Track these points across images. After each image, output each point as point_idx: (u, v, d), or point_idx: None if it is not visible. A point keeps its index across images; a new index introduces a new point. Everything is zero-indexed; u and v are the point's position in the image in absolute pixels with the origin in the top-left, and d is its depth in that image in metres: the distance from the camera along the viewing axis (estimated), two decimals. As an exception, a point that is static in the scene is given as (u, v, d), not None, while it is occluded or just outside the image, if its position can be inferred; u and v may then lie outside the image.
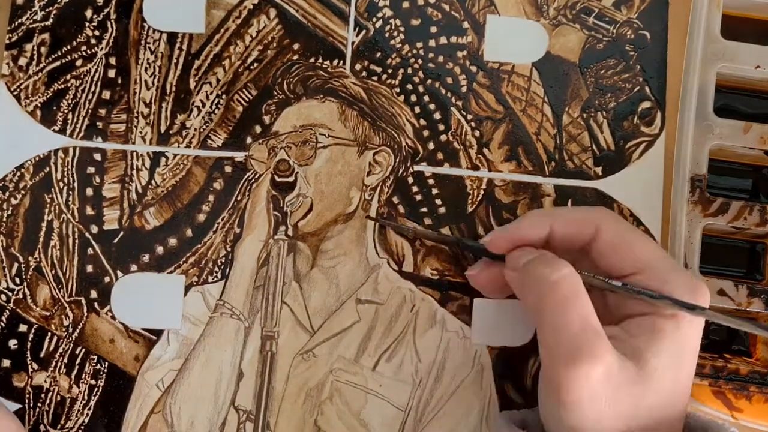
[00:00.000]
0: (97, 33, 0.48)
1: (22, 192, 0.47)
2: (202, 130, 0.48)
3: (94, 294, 0.47)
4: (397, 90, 0.49)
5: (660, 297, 0.37)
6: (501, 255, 0.42)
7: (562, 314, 0.37)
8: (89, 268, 0.47)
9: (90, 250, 0.47)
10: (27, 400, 0.46)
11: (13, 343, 0.46)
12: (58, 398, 0.46)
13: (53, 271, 0.47)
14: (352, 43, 0.49)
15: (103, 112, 0.48)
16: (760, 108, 0.50)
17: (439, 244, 0.47)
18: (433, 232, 0.46)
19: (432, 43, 0.49)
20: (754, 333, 0.40)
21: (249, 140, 0.48)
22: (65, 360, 0.46)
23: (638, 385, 0.36)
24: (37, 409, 0.46)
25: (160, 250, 0.47)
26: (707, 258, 0.47)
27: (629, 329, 0.38)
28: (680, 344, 0.38)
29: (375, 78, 0.49)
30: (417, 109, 0.49)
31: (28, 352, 0.46)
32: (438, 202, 0.48)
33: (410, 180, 0.48)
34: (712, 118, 0.47)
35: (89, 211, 0.47)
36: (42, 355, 0.46)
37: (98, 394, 0.46)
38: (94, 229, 0.47)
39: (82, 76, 0.48)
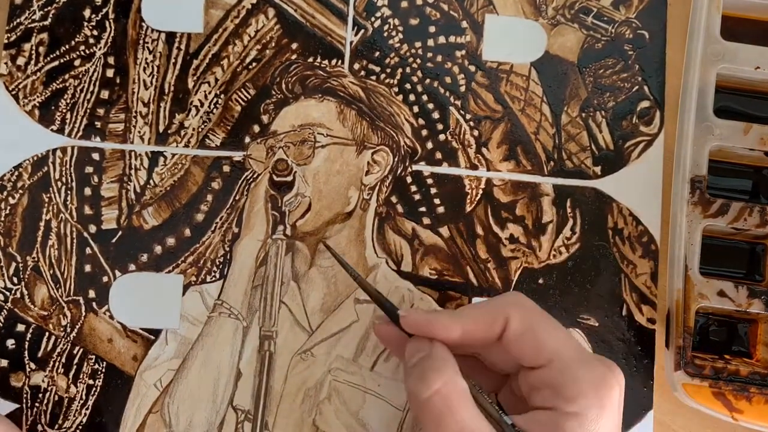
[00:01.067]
0: (95, 33, 0.48)
1: (20, 191, 0.47)
2: (200, 129, 0.48)
3: (92, 294, 0.47)
4: (396, 89, 0.49)
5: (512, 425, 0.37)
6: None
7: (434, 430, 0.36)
8: (87, 268, 0.47)
9: (88, 250, 0.47)
10: (25, 400, 0.46)
11: (10, 343, 0.46)
12: (56, 398, 0.46)
13: (51, 271, 0.47)
14: (351, 42, 0.49)
15: (101, 111, 0.48)
16: (760, 109, 0.49)
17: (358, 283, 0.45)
18: (372, 288, 0.43)
19: (430, 42, 0.49)
20: None
21: (247, 140, 0.48)
22: (63, 360, 0.46)
23: None
24: (35, 409, 0.46)
25: (158, 249, 0.47)
26: (707, 259, 0.47)
27: (534, 422, 0.37)
28: None
29: (373, 77, 0.49)
30: (415, 109, 0.49)
31: (26, 352, 0.46)
32: (437, 201, 0.48)
33: (409, 179, 0.48)
34: (712, 119, 0.47)
35: (87, 210, 0.47)
36: (40, 354, 0.46)
37: (96, 393, 0.46)
38: (93, 228, 0.47)
39: (80, 76, 0.48)
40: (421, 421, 0.37)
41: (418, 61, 0.49)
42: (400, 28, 0.49)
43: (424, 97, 0.49)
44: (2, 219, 0.47)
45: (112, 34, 0.49)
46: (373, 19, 0.49)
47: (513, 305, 0.39)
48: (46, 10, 0.48)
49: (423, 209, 0.48)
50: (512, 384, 0.41)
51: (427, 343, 0.39)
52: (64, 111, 0.48)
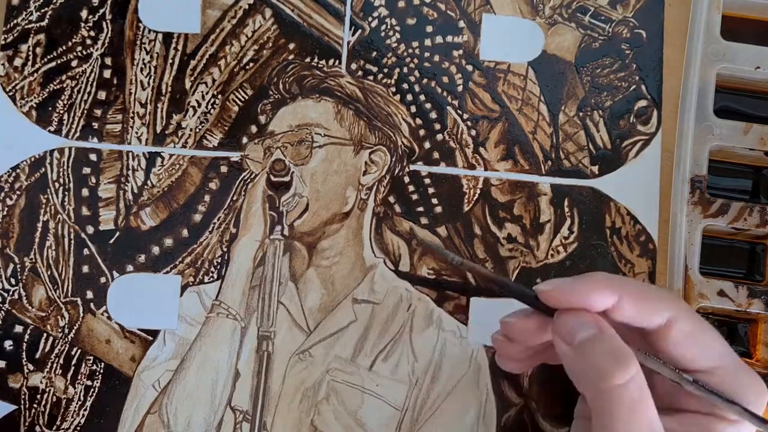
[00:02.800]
0: (92, 33, 0.49)
1: (18, 192, 0.47)
2: (197, 130, 0.48)
3: (90, 294, 0.47)
4: (393, 89, 0.49)
5: (732, 402, 0.35)
6: (551, 309, 0.37)
7: (627, 423, 0.33)
8: (85, 269, 0.47)
9: (86, 251, 0.47)
10: (23, 401, 0.46)
11: (8, 344, 0.46)
12: (54, 399, 0.46)
13: (49, 272, 0.47)
14: (348, 42, 0.49)
15: (98, 112, 0.48)
16: (760, 109, 0.49)
17: (483, 281, 0.43)
18: (482, 268, 0.40)
19: (428, 42, 0.49)
20: None
21: (245, 140, 0.48)
22: (61, 361, 0.46)
23: None
24: (33, 410, 0.46)
25: (156, 250, 0.47)
26: (707, 259, 0.47)
27: (686, 425, 0.36)
28: None
29: (371, 77, 0.49)
30: (413, 109, 0.48)
31: (24, 353, 0.46)
32: (434, 201, 0.48)
33: (406, 179, 0.48)
34: (712, 119, 0.47)
35: (85, 211, 0.47)
36: (38, 355, 0.46)
37: (94, 394, 0.46)
38: (90, 229, 0.47)
39: (77, 77, 0.48)
40: (603, 408, 0.33)
41: (416, 60, 0.49)
42: (398, 28, 0.49)
43: (422, 97, 0.49)
44: (0, 220, 0.47)
45: (109, 35, 0.49)
46: (370, 19, 0.49)
47: (680, 303, 0.36)
48: (43, 11, 0.48)
49: (420, 209, 0.48)
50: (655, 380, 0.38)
51: (588, 316, 0.35)
52: (62, 112, 0.48)
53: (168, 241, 0.47)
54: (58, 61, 0.48)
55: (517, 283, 0.39)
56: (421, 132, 0.48)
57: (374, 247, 0.47)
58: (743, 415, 0.35)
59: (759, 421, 0.35)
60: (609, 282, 0.36)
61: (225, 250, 0.47)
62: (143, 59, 0.48)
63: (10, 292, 0.46)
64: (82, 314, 0.46)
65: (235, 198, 0.48)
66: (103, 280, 0.47)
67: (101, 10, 0.49)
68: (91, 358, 0.46)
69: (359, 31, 0.49)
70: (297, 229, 0.47)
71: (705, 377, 0.35)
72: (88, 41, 0.48)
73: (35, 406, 0.46)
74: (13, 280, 0.47)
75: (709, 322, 0.37)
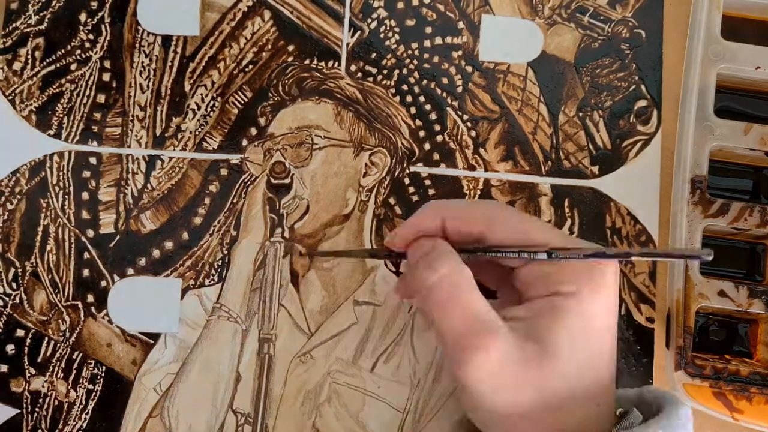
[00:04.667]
0: (91, 37, 0.48)
1: (18, 197, 0.47)
2: (197, 132, 0.48)
3: (90, 298, 0.47)
4: (393, 91, 0.49)
5: (585, 255, 0.36)
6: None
7: (443, 316, 0.37)
8: (86, 273, 0.47)
9: (86, 255, 0.47)
10: (25, 405, 0.46)
11: (10, 348, 0.46)
12: (56, 403, 0.46)
13: (50, 276, 0.47)
14: (347, 44, 0.49)
15: (98, 115, 0.48)
16: (760, 109, 0.49)
17: (358, 257, 0.47)
18: (349, 250, 0.46)
19: (427, 43, 0.49)
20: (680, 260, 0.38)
21: (244, 142, 0.48)
22: (63, 364, 0.46)
23: (542, 366, 0.36)
24: (35, 414, 0.46)
25: (156, 253, 0.47)
26: (708, 259, 0.47)
27: (534, 309, 0.37)
28: (584, 322, 0.36)
29: (370, 79, 0.49)
30: (413, 110, 0.48)
31: (26, 357, 0.46)
32: (435, 202, 0.48)
33: (407, 181, 0.48)
34: (713, 119, 0.47)
35: (85, 215, 0.47)
36: (39, 359, 0.46)
37: (96, 398, 0.46)
38: (90, 233, 0.47)
39: (76, 80, 0.48)
40: (428, 308, 0.37)
41: (415, 62, 0.49)
42: (397, 30, 0.49)
43: (421, 99, 0.49)
44: (0, 224, 0.47)
45: (108, 38, 0.49)
46: (369, 20, 0.49)
47: (496, 208, 0.40)
48: (41, 14, 0.48)
49: (421, 210, 0.48)
50: (512, 280, 0.41)
51: (428, 240, 0.39)
52: (61, 115, 0.48)
53: (168, 244, 0.47)
54: (57, 65, 0.48)
55: (374, 248, 0.45)
56: (421, 133, 0.48)
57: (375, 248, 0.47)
58: (600, 257, 0.37)
59: (611, 257, 0.37)
60: (433, 206, 0.40)
61: (225, 252, 0.47)
62: (142, 62, 0.48)
63: (12, 297, 0.46)
64: (83, 318, 0.46)
65: (235, 200, 0.48)
66: (103, 283, 0.47)
67: (100, 14, 0.49)
68: (93, 361, 0.46)
69: (358, 32, 0.49)
70: (297, 232, 0.47)
71: (535, 266, 0.38)
72: (87, 44, 0.48)
73: (37, 410, 0.46)
74: (14, 285, 0.47)
75: (538, 218, 0.41)
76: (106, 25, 0.49)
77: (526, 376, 0.36)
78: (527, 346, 0.36)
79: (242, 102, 0.48)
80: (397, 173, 0.48)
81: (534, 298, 0.38)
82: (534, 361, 0.36)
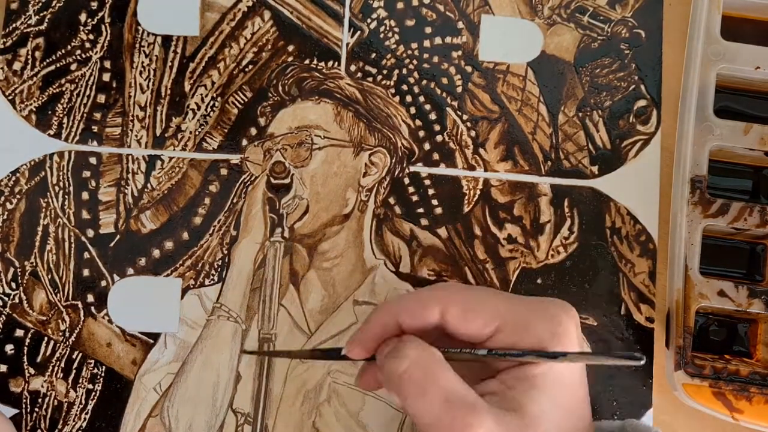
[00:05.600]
0: (91, 37, 0.49)
1: (18, 196, 0.47)
2: (197, 132, 0.48)
3: (90, 298, 0.47)
4: (393, 91, 0.49)
5: (524, 354, 0.36)
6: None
7: (420, 401, 0.36)
8: (85, 272, 0.47)
9: (86, 254, 0.47)
10: (24, 405, 0.46)
11: (9, 348, 0.46)
12: (56, 403, 0.46)
13: (49, 276, 0.47)
14: (347, 44, 0.49)
15: (98, 115, 0.48)
16: (760, 109, 0.49)
17: (309, 360, 0.46)
18: (302, 351, 0.46)
19: (427, 43, 0.49)
20: (613, 364, 0.38)
21: (244, 142, 0.48)
22: (62, 364, 0.46)
23: None
24: (35, 414, 0.46)
25: (156, 253, 0.47)
26: (707, 259, 0.47)
27: (506, 381, 0.37)
28: (559, 385, 0.37)
29: (370, 79, 0.49)
30: (412, 110, 0.48)
31: (25, 357, 0.46)
32: (434, 202, 0.48)
33: (406, 181, 0.48)
34: (712, 119, 0.47)
35: (85, 215, 0.47)
36: (39, 359, 0.46)
37: (95, 398, 0.46)
38: (90, 233, 0.47)
39: (76, 80, 0.48)
40: (403, 395, 0.37)
41: (415, 62, 0.49)
42: (396, 30, 0.49)
43: (421, 99, 0.49)
44: (0, 224, 0.47)
45: (108, 38, 0.49)
46: (369, 20, 0.49)
47: (448, 293, 0.39)
48: (41, 14, 0.48)
49: (421, 210, 0.48)
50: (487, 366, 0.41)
51: (392, 340, 0.39)
52: (61, 115, 0.48)
53: (168, 244, 0.47)
54: (58, 65, 0.48)
55: (330, 349, 0.44)
56: (421, 133, 0.48)
57: (375, 248, 0.47)
58: (540, 359, 0.37)
59: (549, 357, 0.36)
60: (384, 311, 0.39)
61: (225, 252, 0.47)
62: (142, 62, 0.48)
63: (11, 296, 0.46)
64: (82, 318, 0.46)
65: (235, 200, 0.48)
66: (103, 283, 0.47)
67: (100, 14, 0.49)
68: (92, 361, 0.46)
69: (358, 32, 0.49)
70: (297, 232, 0.47)
71: (498, 338, 0.38)
72: (87, 45, 0.48)
73: (37, 410, 0.46)
74: (13, 284, 0.47)
75: (482, 287, 0.41)
76: (106, 25, 0.49)
77: None
78: (508, 419, 0.36)
79: (242, 102, 0.48)
80: (396, 173, 0.48)
81: (505, 368, 0.38)
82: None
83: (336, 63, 0.49)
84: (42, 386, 0.46)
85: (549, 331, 0.37)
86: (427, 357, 0.37)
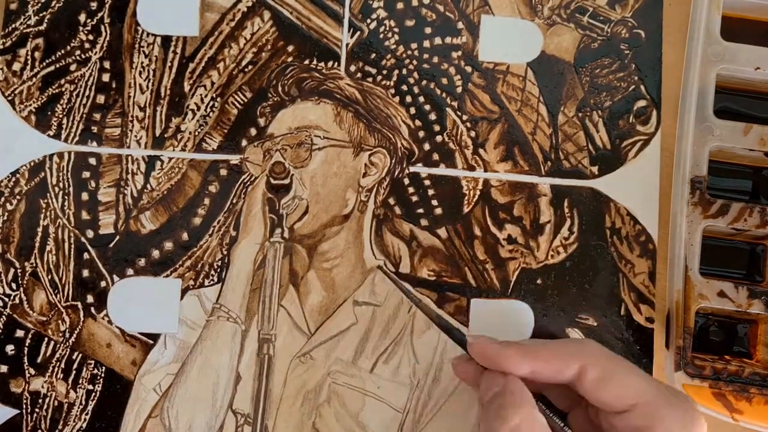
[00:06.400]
0: (90, 37, 0.48)
1: (18, 197, 0.47)
2: (197, 133, 0.48)
3: (90, 299, 0.47)
4: (392, 91, 0.49)
5: None
6: None
7: None
8: (85, 273, 0.47)
9: (86, 255, 0.47)
10: (24, 406, 0.46)
11: (10, 349, 0.46)
12: (56, 403, 0.46)
13: (49, 276, 0.47)
14: (347, 44, 0.49)
15: (97, 116, 0.48)
16: (760, 109, 0.49)
17: (431, 319, 0.46)
18: (431, 310, 0.46)
19: (427, 43, 0.49)
20: None
21: (244, 143, 0.48)
22: (62, 365, 0.46)
23: None
24: (35, 415, 0.46)
25: (156, 254, 0.47)
26: (707, 260, 0.47)
27: None
28: None
29: (370, 79, 0.49)
30: (412, 110, 0.48)
31: (25, 358, 0.46)
32: (434, 203, 0.48)
33: (406, 181, 0.48)
34: (712, 120, 0.47)
35: (85, 215, 0.47)
36: (39, 360, 0.46)
37: (96, 398, 0.46)
38: (90, 233, 0.47)
39: (76, 81, 0.48)
40: None
41: (415, 62, 0.49)
42: (396, 30, 0.49)
43: (421, 99, 0.49)
44: (0, 225, 0.47)
45: (107, 39, 0.49)
46: (369, 20, 0.49)
47: (590, 351, 0.39)
48: (41, 15, 0.48)
49: (421, 211, 0.48)
50: (588, 408, 0.41)
51: (501, 377, 0.39)
52: (61, 116, 0.48)
53: (168, 245, 0.47)
54: (57, 65, 0.48)
55: (459, 331, 0.43)
56: (421, 133, 0.48)
57: (374, 249, 0.47)
58: None
59: None
60: (521, 353, 0.39)
61: (225, 253, 0.47)
62: (142, 62, 0.48)
63: (11, 297, 0.46)
64: (82, 318, 0.46)
65: (234, 201, 0.48)
66: (103, 284, 0.47)
67: (99, 14, 0.49)
68: (92, 362, 0.46)
69: (358, 33, 0.49)
70: (297, 232, 0.47)
71: (628, 416, 0.38)
72: (87, 45, 0.48)
73: (37, 410, 0.46)
74: (14, 285, 0.47)
75: (628, 361, 0.39)
76: (106, 25, 0.49)
77: None
78: None
79: (242, 102, 0.48)
80: (396, 173, 0.48)
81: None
82: None
83: (336, 63, 0.49)
84: (42, 387, 0.46)
85: (681, 425, 0.37)
86: (530, 425, 0.37)
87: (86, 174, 0.48)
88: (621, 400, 0.38)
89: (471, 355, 0.41)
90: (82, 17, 0.49)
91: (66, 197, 0.47)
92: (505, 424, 0.37)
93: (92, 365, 0.46)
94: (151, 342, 0.46)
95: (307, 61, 0.49)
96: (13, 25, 0.48)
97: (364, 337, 0.46)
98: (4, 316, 0.46)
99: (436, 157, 0.48)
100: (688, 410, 0.38)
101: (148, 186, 0.48)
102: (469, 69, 0.49)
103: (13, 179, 0.47)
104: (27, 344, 0.46)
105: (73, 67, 0.48)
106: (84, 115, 0.48)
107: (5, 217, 0.47)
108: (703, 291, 0.46)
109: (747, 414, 0.45)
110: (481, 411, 0.39)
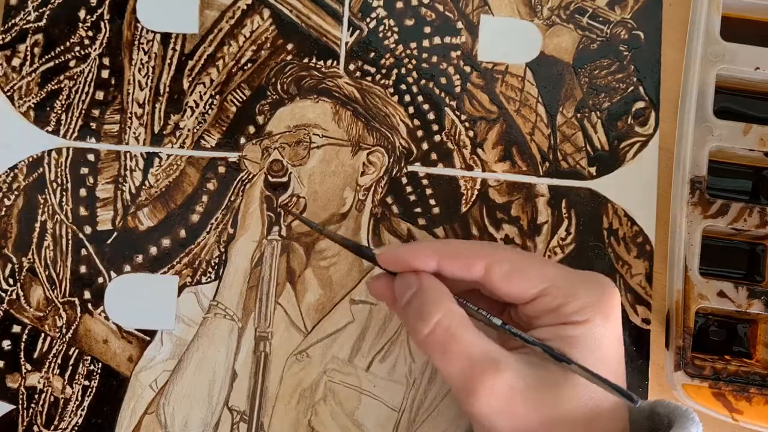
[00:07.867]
0: (90, 33, 0.49)
1: (16, 193, 0.47)
2: (195, 130, 0.48)
3: (87, 295, 0.47)
4: (391, 90, 0.49)
5: (533, 342, 0.37)
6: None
7: (442, 362, 0.37)
8: (83, 269, 0.47)
9: (83, 251, 0.47)
10: (21, 401, 0.46)
11: (6, 344, 0.46)
12: (52, 399, 0.46)
13: (47, 272, 0.47)
14: (346, 43, 0.49)
15: (96, 112, 0.48)
16: (760, 110, 0.49)
17: (338, 244, 0.45)
18: (337, 235, 0.45)
19: (426, 43, 0.49)
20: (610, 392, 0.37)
21: (242, 140, 0.48)
22: (59, 361, 0.46)
23: (553, 391, 0.36)
24: (31, 410, 0.46)
25: (153, 250, 0.47)
26: (707, 260, 0.47)
27: (543, 336, 0.38)
28: (596, 348, 0.37)
29: (369, 78, 0.49)
30: (411, 110, 0.48)
31: (22, 353, 0.46)
32: (432, 202, 0.48)
33: (404, 180, 0.48)
34: (712, 120, 0.47)
35: (83, 211, 0.47)
36: (35, 355, 0.46)
37: (92, 394, 0.46)
38: (88, 229, 0.47)
39: (75, 77, 0.48)
40: (428, 353, 0.38)
41: (414, 61, 0.49)
42: (396, 29, 0.49)
43: (420, 98, 0.49)
44: (-2, 220, 0.47)
45: (107, 35, 0.49)
46: (368, 19, 0.49)
47: (498, 250, 0.39)
48: (41, 11, 0.49)
49: (418, 210, 0.48)
50: (512, 313, 0.41)
51: (414, 277, 0.39)
52: (60, 112, 0.48)
53: (165, 242, 0.47)
54: (56, 61, 0.48)
55: (367, 247, 0.44)
56: (419, 133, 0.48)
57: (372, 247, 0.47)
58: (546, 353, 0.37)
59: (555, 358, 0.37)
60: (429, 247, 0.39)
61: (222, 250, 0.47)
62: (141, 59, 0.48)
63: (8, 292, 0.47)
64: (79, 314, 0.46)
65: (232, 198, 0.48)
66: (100, 280, 0.47)
67: (99, 11, 0.49)
68: (89, 358, 0.46)
69: (357, 31, 0.49)
70: (295, 230, 0.47)
71: (542, 301, 0.38)
72: (86, 41, 0.49)
73: (33, 406, 0.46)
74: (11, 280, 0.47)
75: (536, 254, 0.41)
76: (105, 22, 0.49)
77: (537, 402, 0.36)
78: (537, 373, 0.36)
79: (241, 100, 0.48)
80: (394, 172, 0.48)
81: (541, 326, 0.38)
82: (545, 388, 0.36)
83: (335, 62, 0.49)
84: (39, 382, 0.46)
85: (596, 298, 0.37)
86: (449, 318, 0.37)
87: (84, 170, 0.48)
88: (531, 287, 0.38)
89: (382, 266, 0.40)
90: (82, 13, 0.49)
91: (64, 193, 0.47)
92: (425, 321, 0.37)
93: (89, 361, 0.46)
94: (148, 338, 0.46)
95: (306, 60, 0.49)
96: (13, 21, 0.49)
97: (361, 335, 0.46)
98: (1, 312, 0.46)
99: (434, 156, 0.48)
100: (603, 284, 0.38)
101: (147, 183, 0.48)
102: (468, 69, 0.49)
103: (12, 174, 0.47)
104: (24, 340, 0.46)
105: (72, 63, 0.48)
106: (83, 111, 0.48)
107: (3, 212, 0.47)
108: (703, 291, 0.46)
109: (747, 414, 0.44)
110: (401, 317, 0.39)
